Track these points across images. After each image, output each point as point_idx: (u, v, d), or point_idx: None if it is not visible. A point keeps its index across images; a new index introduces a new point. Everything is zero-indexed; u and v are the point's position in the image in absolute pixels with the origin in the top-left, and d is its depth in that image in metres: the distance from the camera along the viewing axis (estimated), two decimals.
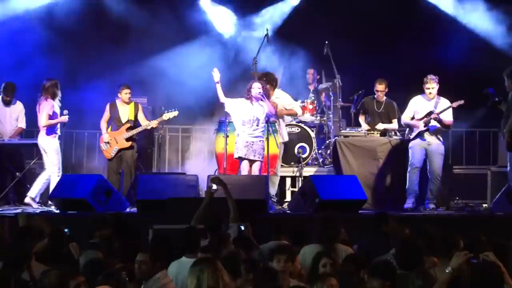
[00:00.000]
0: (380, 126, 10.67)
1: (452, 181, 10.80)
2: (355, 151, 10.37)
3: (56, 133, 10.17)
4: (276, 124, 10.35)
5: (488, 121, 9.94)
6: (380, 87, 10.72)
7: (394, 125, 10.72)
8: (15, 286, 4.43)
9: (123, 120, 10.53)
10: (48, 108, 10.04)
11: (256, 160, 9.32)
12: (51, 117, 10.06)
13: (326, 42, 11.45)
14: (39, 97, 10.18)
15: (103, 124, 10.57)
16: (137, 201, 9.12)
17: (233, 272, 5.03)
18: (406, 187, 10.02)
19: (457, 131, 12.22)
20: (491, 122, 9.61)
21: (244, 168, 9.36)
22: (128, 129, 10.46)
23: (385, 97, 10.77)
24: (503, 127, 9.18)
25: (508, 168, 9.26)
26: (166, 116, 10.55)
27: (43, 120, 10.05)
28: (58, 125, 10.21)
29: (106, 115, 10.57)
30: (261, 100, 9.36)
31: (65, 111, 10.17)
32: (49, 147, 10.09)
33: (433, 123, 9.94)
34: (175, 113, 10.58)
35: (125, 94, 10.53)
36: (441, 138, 10.07)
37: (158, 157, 11.81)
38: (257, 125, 9.36)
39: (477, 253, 5.19)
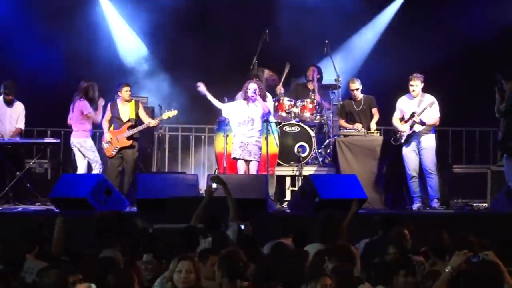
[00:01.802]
0: (373, 126, 10.71)
1: (452, 180, 10.79)
2: (355, 151, 10.38)
3: (91, 132, 10.32)
4: (275, 123, 10.41)
5: (488, 120, 9.92)
6: (354, 85, 10.80)
7: (376, 116, 10.82)
8: (14, 285, 4.43)
9: (124, 119, 10.54)
10: (89, 107, 10.23)
11: (252, 160, 9.37)
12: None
13: (326, 41, 11.45)
14: (75, 96, 10.28)
15: (105, 123, 10.58)
16: (136, 200, 9.12)
17: (233, 272, 5.03)
18: (411, 194, 10.04)
19: (457, 130, 12.21)
20: (491, 121, 9.59)
21: (241, 168, 9.45)
22: (129, 127, 10.46)
23: (361, 95, 10.83)
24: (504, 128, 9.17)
25: (505, 168, 9.29)
26: (166, 115, 10.55)
27: (99, 118, 10.36)
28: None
29: (108, 114, 10.57)
30: (257, 100, 9.43)
31: None
32: (85, 146, 10.20)
33: (418, 126, 9.93)
34: (175, 112, 10.58)
35: (125, 92, 10.55)
36: (430, 134, 10.04)
37: (158, 156, 11.81)
38: (252, 125, 9.44)
39: (476, 252, 5.17)
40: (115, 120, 10.53)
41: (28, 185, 10.49)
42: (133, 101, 10.63)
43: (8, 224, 8.21)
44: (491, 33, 12.25)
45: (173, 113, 10.55)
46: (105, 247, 5.96)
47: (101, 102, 10.47)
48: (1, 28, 12.04)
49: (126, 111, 10.56)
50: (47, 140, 10.86)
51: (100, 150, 10.63)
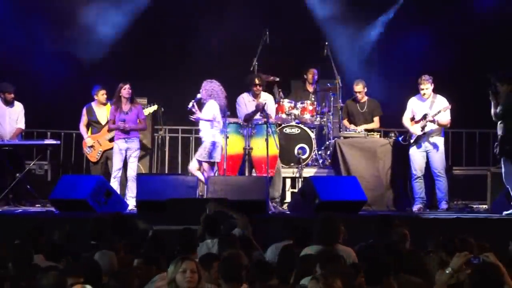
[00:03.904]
0: (362, 127, 10.70)
1: (452, 182, 10.78)
2: (355, 152, 10.37)
3: (117, 137, 10.07)
4: (275, 125, 10.41)
5: (488, 122, 9.93)
6: (358, 88, 10.80)
7: (375, 124, 10.80)
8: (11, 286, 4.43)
9: (103, 122, 10.53)
10: (112, 112, 10.11)
11: (202, 161, 9.58)
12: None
13: (326, 43, 11.45)
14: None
15: (82, 128, 10.58)
16: (136, 201, 9.11)
17: (231, 275, 5.02)
18: (414, 195, 10.10)
19: (457, 132, 12.21)
20: (491, 122, 9.59)
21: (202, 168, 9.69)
22: (110, 130, 10.42)
23: (366, 97, 10.84)
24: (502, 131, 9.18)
25: (503, 170, 9.30)
26: (146, 111, 10.53)
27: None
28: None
29: (84, 119, 10.58)
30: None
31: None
32: (113, 149, 10.09)
33: (430, 126, 9.96)
34: (154, 107, 10.60)
35: (102, 95, 10.55)
36: (440, 137, 10.08)
37: (158, 158, 11.81)
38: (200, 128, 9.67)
39: (477, 254, 5.16)
40: (93, 125, 10.52)
41: (28, 186, 10.48)
42: (108, 104, 10.57)
43: (8, 225, 8.21)
44: (491, 36, 12.25)
45: (153, 108, 10.58)
46: (101, 249, 5.96)
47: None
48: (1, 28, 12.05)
49: (103, 114, 10.55)
50: (47, 141, 10.85)
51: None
